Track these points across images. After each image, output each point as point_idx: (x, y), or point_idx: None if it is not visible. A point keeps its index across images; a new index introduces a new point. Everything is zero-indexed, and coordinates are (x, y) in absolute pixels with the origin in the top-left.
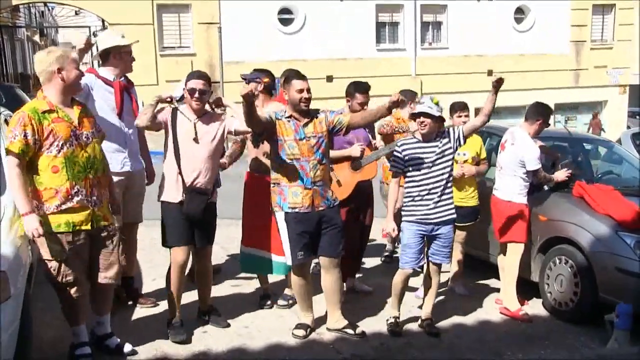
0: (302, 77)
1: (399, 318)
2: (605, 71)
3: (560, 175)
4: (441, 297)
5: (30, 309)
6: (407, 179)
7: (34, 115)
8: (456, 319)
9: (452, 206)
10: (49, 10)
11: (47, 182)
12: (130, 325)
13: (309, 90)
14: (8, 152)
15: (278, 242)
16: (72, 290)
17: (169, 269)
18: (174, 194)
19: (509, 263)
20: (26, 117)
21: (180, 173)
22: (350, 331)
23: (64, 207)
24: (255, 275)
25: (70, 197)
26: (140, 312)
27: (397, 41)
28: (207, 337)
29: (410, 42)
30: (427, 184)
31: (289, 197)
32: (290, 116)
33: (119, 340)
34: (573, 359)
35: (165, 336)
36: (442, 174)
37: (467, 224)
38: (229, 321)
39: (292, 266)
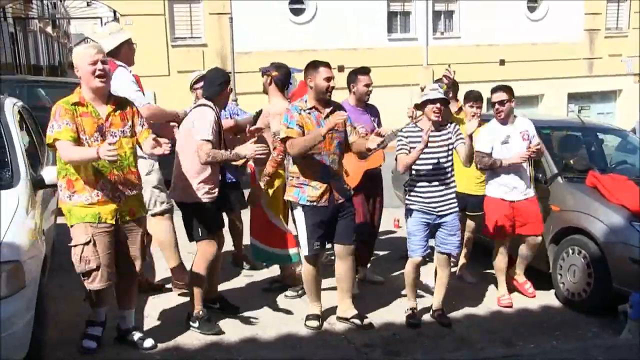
0: (329, 66)
1: (416, 309)
2: (619, 60)
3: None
4: (451, 287)
5: (45, 299)
6: (412, 169)
7: (67, 106)
8: (467, 309)
9: (454, 196)
10: (61, 1)
11: (78, 173)
12: (142, 315)
13: (333, 79)
14: (57, 141)
15: (275, 234)
16: (94, 277)
17: (195, 263)
18: (209, 191)
19: (531, 253)
20: (62, 108)
21: (212, 169)
22: (357, 321)
23: (90, 200)
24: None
25: (95, 190)
26: (151, 302)
27: (409, 31)
28: (218, 325)
29: (422, 32)
30: (433, 175)
31: (308, 191)
32: (312, 107)
33: (141, 334)
34: (585, 349)
35: (178, 326)
36: (446, 165)
37: (477, 213)
38: (240, 311)
39: (305, 256)
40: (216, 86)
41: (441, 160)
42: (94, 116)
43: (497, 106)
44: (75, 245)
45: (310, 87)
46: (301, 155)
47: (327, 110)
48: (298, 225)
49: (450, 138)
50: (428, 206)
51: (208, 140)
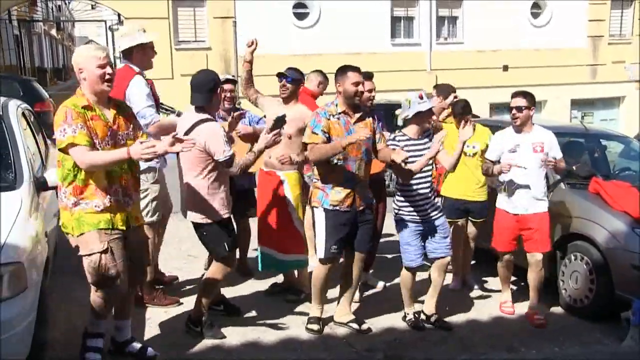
0: (358, 70)
1: (417, 313)
2: (623, 66)
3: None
4: (454, 292)
5: (47, 300)
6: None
7: (77, 109)
8: (470, 314)
9: (437, 200)
10: (65, 4)
11: (89, 179)
12: (144, 318)
13: (364, 84)
14: (73, 146)
15: (295, 240)
16: (115, 284)
17: (210, 272)
18: (228, 205)
19: (534, 275)
20: (73, 112)
21: (226, 183)
22: (355, 325)
23: (102, 206)
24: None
25: (108, 196)
26: (152, 306)
27: (413, 36)
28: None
29: (425, 37)
30: (422, 182)
31: (331, 195)
32: (342, 112)
33: (140, 344)
34: (587, 355)
35: (179, 330)
36: (429, 171)
37: (479, 220)
38: (241, 315)
39: (320, 258)
40: (205, 93)
41: (427, 166)
42: (102, 119)
43: (514, 111)
44: (90, 254)
45: (339, 92)
46: (319, 161)
47: (357, 115)
48: (317, 227)
49: (429, 144)
50: (420, 214)
51: (232, 155)
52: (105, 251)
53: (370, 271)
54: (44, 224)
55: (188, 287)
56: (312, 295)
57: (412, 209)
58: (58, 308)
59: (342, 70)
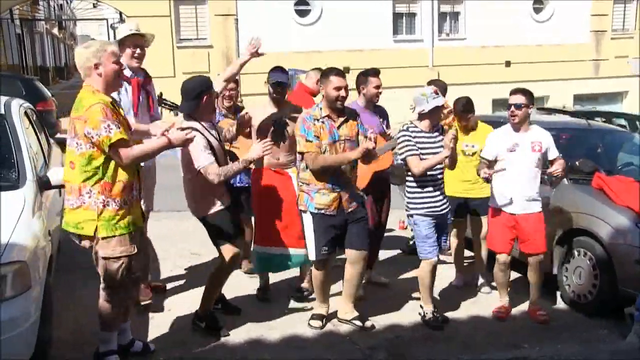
0: (341, 75)
1: (436, 311)
2: (626, 61)
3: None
4: (457, 290)
5: (51, 299)
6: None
7: (110, 106)
8: (473, 312)
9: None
10: (67, 3)
11: (118, 175)
12: (140, 321)
13: (346, 89)
14: (123, 141)
15: (295, 234)
16: (135, 288)
17: (218, 269)
18: (220, 199)
19: (535, 276)
20: (108, 108)
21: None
22: (358, 323)
23: (128, 203)
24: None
25: (133, 192)
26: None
27: (414, 32)
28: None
29: (427, 33)
30: (434, 175)
31: (316, 198)
32: (326, 116)
33: (142, 343)
34: (590, 352)
35: (183, 327)
36: (442, 168)
37: (485, 215)
38: (245, 313)
39: (314, 260)
40: (190, 101)
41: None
42: (120, 116)
43: (512, 109)
44: (119, 257)
45: (323, 96)
46: (321, 170)
47: (341, 119)
48: (306, 231)
49: (440, 138)
50: (435, 208)
51: (209, 164)
52: (136, 254)
53: (373, 268)
54: (47, 222)
55: (193, 285)
56: (315, 295)
57: (428, 203)
58: (62, 307)
59: (326, 75)
